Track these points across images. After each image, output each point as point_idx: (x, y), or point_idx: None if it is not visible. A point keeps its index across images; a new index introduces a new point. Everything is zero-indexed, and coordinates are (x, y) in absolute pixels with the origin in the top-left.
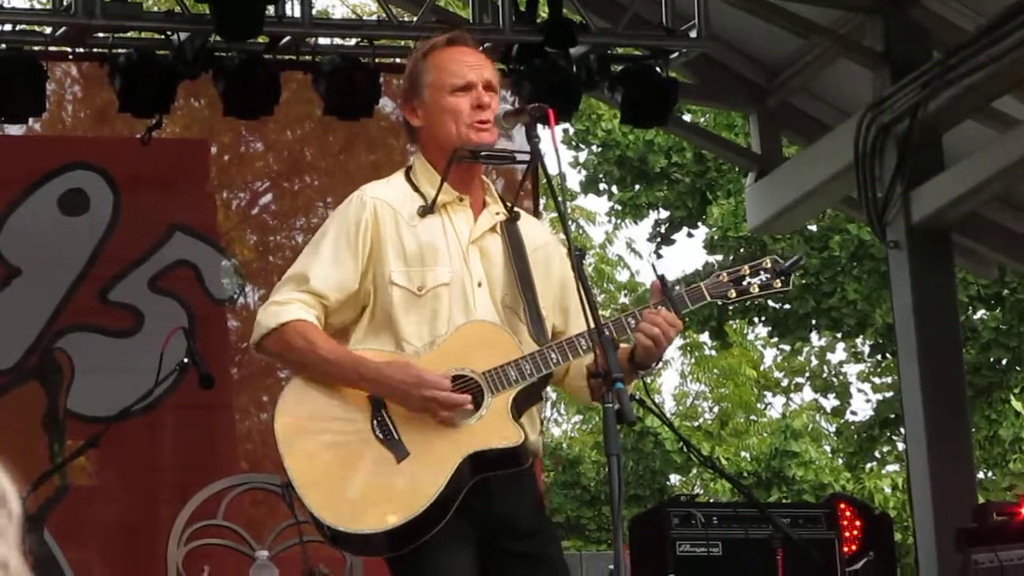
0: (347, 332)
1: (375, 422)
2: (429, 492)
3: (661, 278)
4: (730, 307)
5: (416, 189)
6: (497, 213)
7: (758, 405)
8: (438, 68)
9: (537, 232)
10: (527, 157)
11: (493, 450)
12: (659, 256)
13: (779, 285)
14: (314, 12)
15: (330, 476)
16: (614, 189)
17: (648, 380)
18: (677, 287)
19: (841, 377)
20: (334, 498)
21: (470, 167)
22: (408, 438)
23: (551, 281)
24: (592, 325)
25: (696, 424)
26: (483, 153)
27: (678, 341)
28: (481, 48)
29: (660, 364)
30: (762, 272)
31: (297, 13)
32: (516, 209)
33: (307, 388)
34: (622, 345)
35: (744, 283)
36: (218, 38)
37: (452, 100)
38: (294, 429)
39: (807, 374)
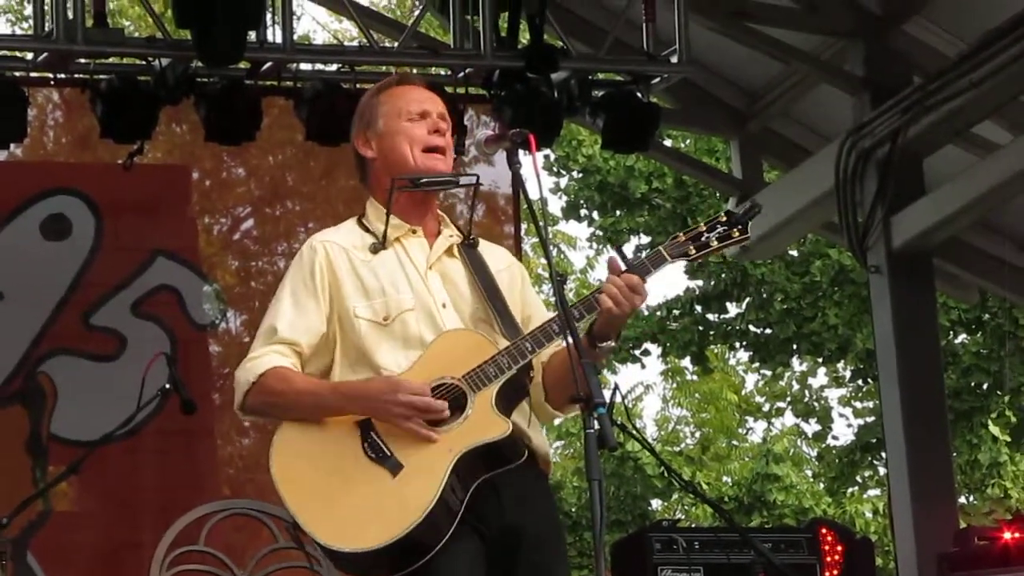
0: (326, 377)
1: (365, 445)
2: (426, 500)
3: (619, 249)
4: (711, 332)
5: (368, 231)
6: (451, 236)
7: (739, 430)
8: (393, 99)
9: (498, 255)
10: (471, 180)
11: (482, 445)
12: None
13: (737, 234)
14: (295, 38)
15: (330, 504)
16: (595, 215)
17: (629, 405)
18: (639, 256)
19: (822, 402)
20: (336, 522)
21: (422, 198)
22: (400, 453)
23: (515, 299)
24: (575, 352)
25: (678, 449)
26: (423, 180)
27: (660, 366)
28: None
29: (618, 340)
30: (719, 226)
31: (279, 39)
32: (474, 236)
33: (296, 429)
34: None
35: (703, 239)
36: (200, 64)
37: (408, 125)
38: (289, 468)
39: (788, 399)
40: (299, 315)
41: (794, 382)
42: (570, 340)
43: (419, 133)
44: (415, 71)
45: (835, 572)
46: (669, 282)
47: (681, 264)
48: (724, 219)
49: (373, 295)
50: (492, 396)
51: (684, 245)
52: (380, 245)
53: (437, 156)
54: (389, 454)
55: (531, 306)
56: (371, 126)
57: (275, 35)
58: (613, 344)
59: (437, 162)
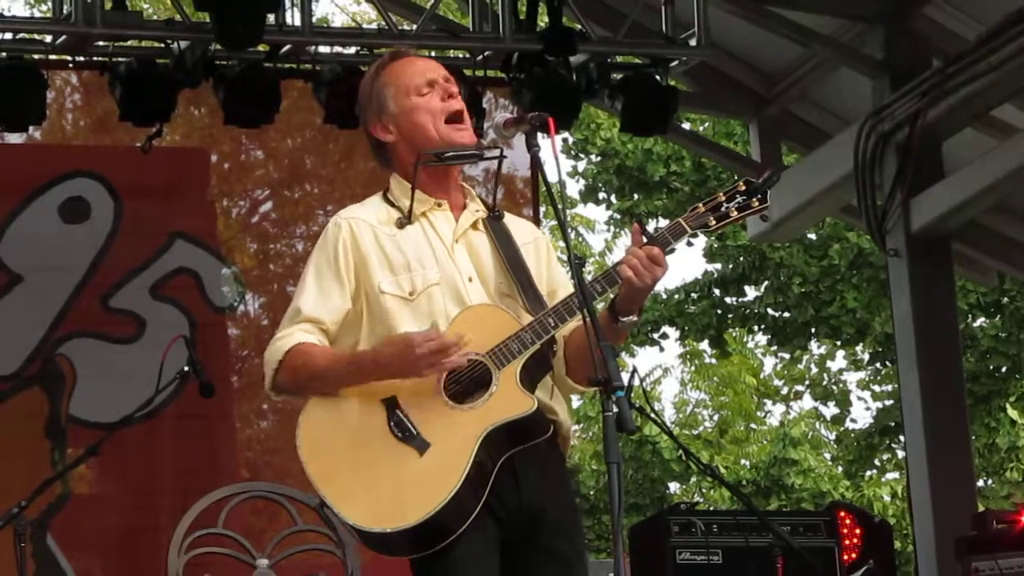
0: None
1: (392, 424)
2: (454, 478)
3: (638, 220)
4: (729, 315)
5: (393, 205)
6: (477, 210)
7: (758, 413)
8: (396, 76)
9: (523, 229)
10: (495, 153)
11: (510, 421)
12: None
13: (757, 204)
14: (314, 20)
15: (358, 483)
16: (613, 198)
17: (647, 389)
18: (658, 228)
19: (841, 385)
20: (364, 502)
21: (445, 172)
22: (427, 431)
23: (540, 273)
24: (593, 336)
25: (696, 432)
26: (448, 154)
27: (678, 349)
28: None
29: (640, 315)
30: (738, 195)
31: (297, 21)
32: (499, 210)
33: (321, 408)
34: (599, 307)
35: (722, 209)
36: (218, 47)
37: (421, 99)
38: (315, 448)
39: (807, 382)
40: (322, 295)
41: (812, 365)
42: (590, 325)
43: (435, 104)
44: (433, 54)
45: (853, 555)
46: (688, 265)
47: (701, 239)
48: (743, 188)
49: (399, 270)
50: (517, 372)
51: (704, 216)
52: (406, 220)
53: (460, 127)
54: (415, 433)
55: (556, 280)
56: (384, 110)
57: (294, 18)
58: (635, 319)
59: (462, 135)
